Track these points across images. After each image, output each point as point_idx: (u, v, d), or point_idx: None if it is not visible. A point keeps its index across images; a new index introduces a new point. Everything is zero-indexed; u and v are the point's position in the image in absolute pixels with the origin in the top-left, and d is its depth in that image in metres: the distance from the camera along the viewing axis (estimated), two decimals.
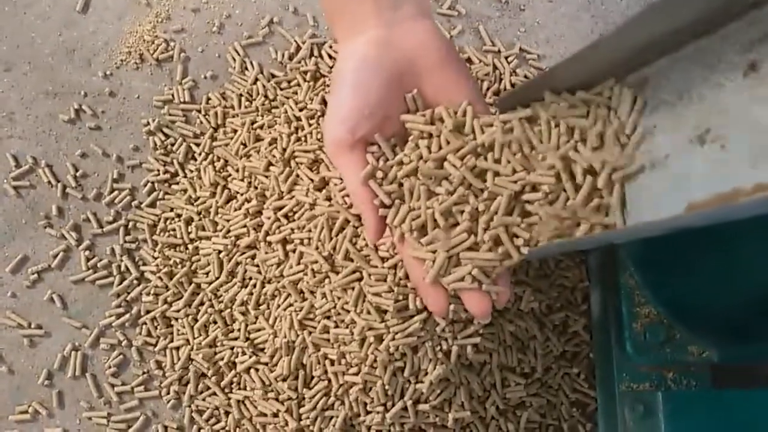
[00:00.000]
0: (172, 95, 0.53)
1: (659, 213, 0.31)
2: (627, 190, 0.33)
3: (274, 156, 0.48)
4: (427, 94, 0.36)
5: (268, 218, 0.47)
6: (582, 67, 0.34)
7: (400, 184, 0.36)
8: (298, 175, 0.48)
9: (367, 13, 0.35)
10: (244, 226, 0.48)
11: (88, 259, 0.50)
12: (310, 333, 0.45)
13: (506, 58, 0.56)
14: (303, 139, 0.49)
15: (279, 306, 0.46)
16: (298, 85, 0.53)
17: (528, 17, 0.57)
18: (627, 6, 0.58)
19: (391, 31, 0.35)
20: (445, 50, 0.36)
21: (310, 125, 0.49)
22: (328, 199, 0.45)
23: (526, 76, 0.56)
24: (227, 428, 0.48)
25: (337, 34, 0.37)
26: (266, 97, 0.52)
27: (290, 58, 0.54)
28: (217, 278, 0.48)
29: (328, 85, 0.52)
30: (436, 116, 0.36)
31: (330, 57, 0.54)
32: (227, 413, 0.48)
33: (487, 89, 0.55)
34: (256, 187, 0.48)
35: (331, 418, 0.45)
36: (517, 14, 0.57)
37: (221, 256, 0.48)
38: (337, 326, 0.44)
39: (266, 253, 0.47)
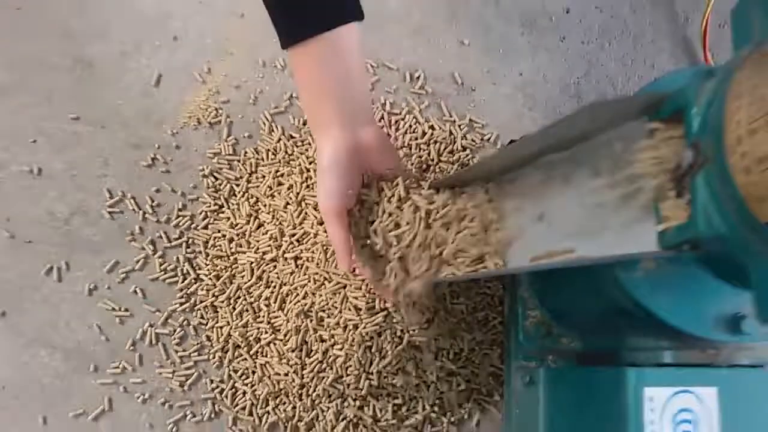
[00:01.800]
0: (220, 149, 0.76)
1: (520, 261, 0.53)
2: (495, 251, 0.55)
3: (290, 198, 0.71)
4: (375, 169, 0.57)
5: (285, 241, 0.69)
6: (478, 170, 0.56)
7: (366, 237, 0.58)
8: (306, 213, 0.70)
9: (334, 121, 0.53)
10: (269, 245, 0.70)
11: (160, 264, 0.73)
12: (311, 321, 0.67)
13: (459, 126, 0.77)
14: (311, 186, 0.71)
15: (291, 302, 0.68)
16: (309, 144, 0.75)
17: (477, 95, 0.79)
18: (551, 87, 0.79)
19: (354, 135, 0.55)
20: (386, 143, 0.57)
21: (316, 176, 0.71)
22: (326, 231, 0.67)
23: (473, 140, 0.77)
24: (253, 383, 0.70)
25: (312, 130, 0.56)
26: (286, 152, 0.74)
27: (304, 124, 0.76)
28: (249, 280, 0.70)
29: None
30: (379, 188, 0.58)
31: None
32: (253, 372, 0.70)
33: (444, 149, 0.76)
34: (277, 219, 0.71)
35: (323, 378, 0.68)
36: (469, 93, 0.79)
37: (252, 265, 0.70)
38: (328, 317, 0.66)
39: (283, 265, 0.69)
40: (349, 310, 0.64)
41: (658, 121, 0.42)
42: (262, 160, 0.74)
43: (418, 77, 0.78)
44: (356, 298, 0.64)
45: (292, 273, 0.68)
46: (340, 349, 0.66)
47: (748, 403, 0.47)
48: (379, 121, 0.75)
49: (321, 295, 0.66)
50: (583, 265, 0.49)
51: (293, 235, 0.69)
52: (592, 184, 0.47)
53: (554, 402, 0.61)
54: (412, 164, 0.72)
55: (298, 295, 0.67)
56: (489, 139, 0.77)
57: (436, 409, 0.68)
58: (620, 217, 0.45)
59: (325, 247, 0.67)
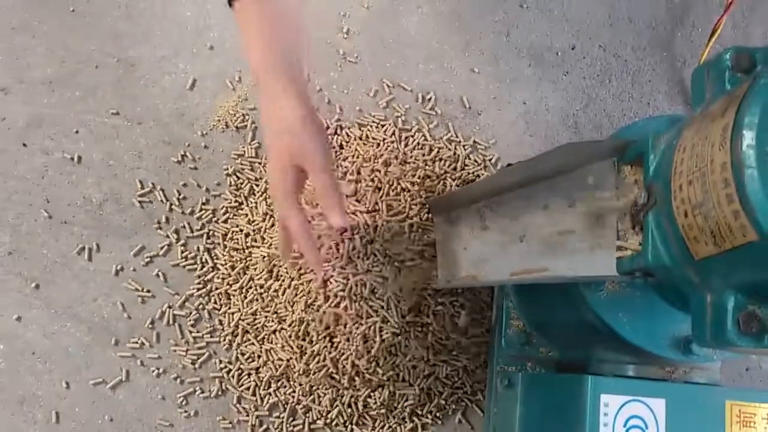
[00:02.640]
0: (244, 151, 0.83)
1: (501, 275, 0.59)
2: (485, 263, 0.62)
3: (303, 200, 0.78)
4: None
5: None
6: (469, 192, 0.63)
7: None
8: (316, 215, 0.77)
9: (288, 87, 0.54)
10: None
11: (182, 252, 0.80)
12: (312, 311, 0.74)
13: (464, 146, 0.84)
14: None
15: (296, 295, 0.76)
16: None
17: (482, 119, 0.86)
18: (551, 117, 0.86)
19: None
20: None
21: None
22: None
23: (475, 160, 0.84)
24: (258, 366, 0.77)
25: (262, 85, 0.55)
26: None
27: None
28: (261, 273, 0.78)
29: (346, 158, 0.81)
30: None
31: (347, 134, 0.83)
32: (259, 357, 0.77)
33: (448, 166, 0.83)
34: None
35: (322, 367, 0.75)
36: (475, 116, 0.86)
37: (265, 259, 0.78)
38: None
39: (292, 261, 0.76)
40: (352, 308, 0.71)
41: (625, 163, 0.49)
42: None
43: (430, 99, 0.85)
44: (356, 295, 0.71)
45: (300, 269, 0.75)
46: (339, 342, 0.73)
47: (694, 415, 0.54)
48: (391, 136, 0.82)
49: (325, 291, 0.73)
50: (556, 283, 0.56)
51: None
52: (566, 212, 0.54)
53: (529, 404, 0.68)
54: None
55: (303, 289, 0.74)
56: (491, 160, 0.84)
57: (422, 402, 0.75)
58: (587, 243, 0.51)
59: (334, 249, 0.74)
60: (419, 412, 0.76)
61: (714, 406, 0.53)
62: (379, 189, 0.77)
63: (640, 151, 0.46)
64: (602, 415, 0.52)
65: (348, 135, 0.82)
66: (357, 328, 0.71)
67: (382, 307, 0.71)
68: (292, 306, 0.75)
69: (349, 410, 0.75)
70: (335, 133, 0.83)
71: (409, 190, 0.76)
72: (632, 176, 0.48)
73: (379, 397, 0.74)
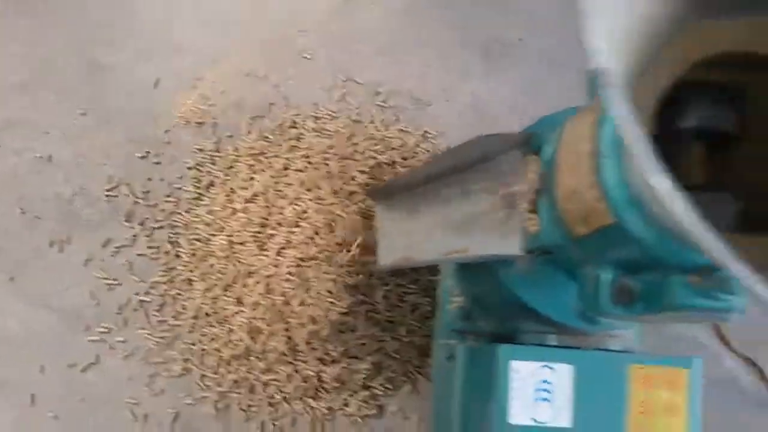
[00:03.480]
0: (204, 146, 0.88)
1: (434, 255, 0.65)
2: (418, 245, 0.67)
3: (260, 191, 0.83)
4: None
5: (252, 229, 0.82)
6: (405, 181, 0.68)
7: None
8: (273, 205, 0.82)
9: None
10: (239, 231, 0.82)
11: (147, 242, 0.86)
12: (270, 296, 0.80)
13: (414, 136, 0.89)
14: (279, 181, 0.83)
15: (254, 279, 0.81)
16: (280, 146, 0.87)
17: (432, 110, 0.91)
18: (499, 107, 0.91)
19: None
20: None
21: (286, 174, 0.84)
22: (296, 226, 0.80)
23: (426, 149, 0.89)
24: (219, 346, 0.83)
25: None
26: (261, 152, 0.87)
27: (279, 126, 0.89)
28: (221, 260, 0.83)
29: (306, 148, 0.86)
30: None
31: (304, 128, 0.88)
32: (220, 338, 0.83)
33: (399, 155, 0.88)
34: (247, 209, 0.83)
35: (278, 346, 0.80)
36: (425, 107, 0.91)
37: (224, 247, 0.83)
38: (283, 295, 0.79)
39: (250, 249, 0.81)
40: (304, 290, 0.77)
41: (529, 153, 0.54)
42: (240, 157, 0.86)
43: (381, 92, 0.90)
44: (308, 279, 0.77)
45: (256, 256, 0.80)
46: (292, 323, 0.78)
47: (599, 378, 0.59)
48: (344, 128, 0.87)
49: (280, 276, 0.79)
50: (478, 261, 0.61)
51: (259, 223, 0.81)
52: (483, 198, 0.59)
53: (466, 375, 0.73)
54: None
55: (260, 275, 0.80)
56: (441, 149, 0.89)
57: (373, 375, 0.81)
58: (501, 225, 0.57)
59: (287, 236, 0.79)
60: (371, 385, 0.81)
61: (618, 370, 0.59)
62: (332, 177, 0.82)
63: (539, 142, 0.51)
64: (512, 380, 0.58)
65: (304, 128, 0.87)
66: (306, 310, 0.76)
67: (329, 291, 0.76)
68: (250, 290, 0.80)
69: (305, 384, 0.81)
70: (292, 126, 0.88)
71: (357, 179, 0.81)
72: (534, 165, 0.53)
73: (333, 372, 0.80)
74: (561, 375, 0.58)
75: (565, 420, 0.59)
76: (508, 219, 0.55)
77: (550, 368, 0.58)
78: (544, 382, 0.58)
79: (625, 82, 0.24)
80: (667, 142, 0.47)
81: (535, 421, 0.59)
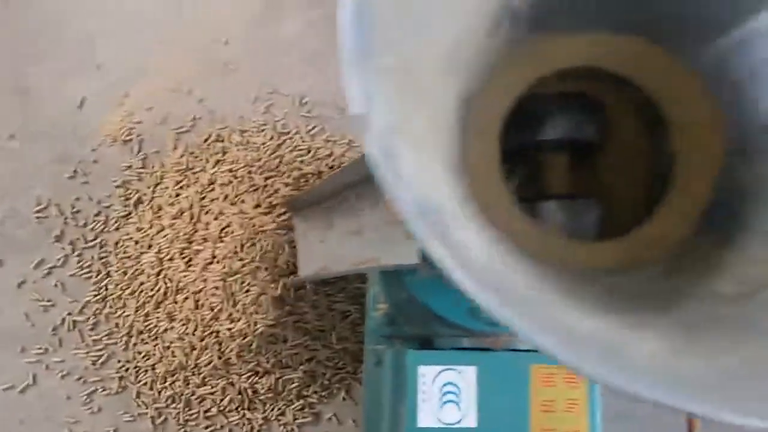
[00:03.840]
0: (131, 163, 0.89)
1: (346, 266, 0.66)
2: (333, 255, 0.68)
3: (186, 206, 0.84)
4: None
5: (180, 245, 0.82)
6: (313, 194, 0.69)
7: None
8: (199, 219, 0.83)
9: None
10: (167, 248, 0.83)
11: (78, 262, 0.86)
12: (200, 312, 0.81)
13: (339, 145, 0.90)
14: (206, 196, 0.84)
15: (183, 295, 0.82)
16: (207, 160, 0.88)
17: None
18: None
19: None
20: None
21: (211, 188, 0.85)
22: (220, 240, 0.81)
23: (351, 158, 0.90)
24: (153, 363, 0.84)
25: None
26: (187, 166, 0.87)
27: (205, 141, 0.89)
28: (150, 277, 0.84)
29: (232, 162, 0.87)
30: None
31: (229, 141, 0.89)
32: (154, 354, 0.84)
33: (325, 165, 0.89)
34: (174, 225, 0.84)
35: (211, 360, 0.81)
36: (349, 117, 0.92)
37: (153, 264, 0.84)
38: (212, 310, 0.80)
39: (178, 265, 0.82)
40: (231, 304, 0.78)
41: None
42: (166, 173, 0.87)
43: (306, 102, 0.90)
44: (233, 293, 0.78)
45: (184, 272, 0.81)
46: (223, 337, 0.79)
47: (502, 378, 0.61)
48: (270, 140, 0.88)
49: (207, 291, 0.80)
50: (388, 270, 0.62)
51: (186, 239, 0.82)
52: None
53: (392, 379, 0.74)
54: None
55: (189, 290, 0.81)
56: None
57: (307, 384, 0.82)
58: (402, 235, 0.58)
59: (212, 251, 0.80)
60: (305, 393, 0.83)
61: (520, 370, 0.60)
62: (256, 190, 0.83)
63: None
64: (420, 384, 0.59)
65: (230, 141, 0.88)
66: (234, 324, 0.77)
67: (255, 305, 0.77)
68: (180, 306, 0.81)
69: (240, 397, 0.82)
70: (217, 140, 0.88)
71: (282, 191, 0.82)
72: None
73: (266, 383, 0.81)
74: (466, 377, 0.60)
75: (471, 421, 0.61)
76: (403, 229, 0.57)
77: (456, 371, 0.60)
78: (451, 384, 0.60)
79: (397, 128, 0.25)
80: (534, 151, 0.48)
81: (443, 423, 0.60)
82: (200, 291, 0.80)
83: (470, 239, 0.27)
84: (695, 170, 0.40)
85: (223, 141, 0.88)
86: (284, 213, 0.80)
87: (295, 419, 0.82)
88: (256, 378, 0.81)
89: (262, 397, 0.82)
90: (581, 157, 0.48)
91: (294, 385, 0.81)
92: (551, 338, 0.22)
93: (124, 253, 0.84)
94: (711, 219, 0.39)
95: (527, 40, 0.40)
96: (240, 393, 0.82)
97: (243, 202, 0.81)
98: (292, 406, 0.82)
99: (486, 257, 0.26)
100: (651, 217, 0.41)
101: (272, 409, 0.82)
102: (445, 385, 0.60)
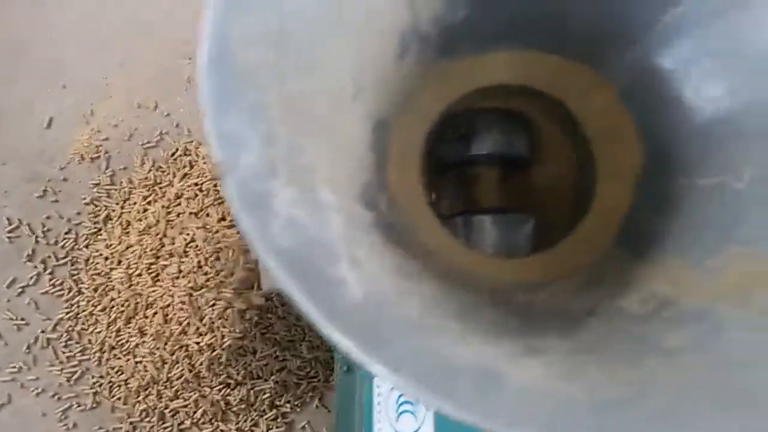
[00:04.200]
0: (99, 180, 0.89)
1: None
2: None
3: (154, 221, 0.84)
4: None
5: (148, 260, 0.83)
6: None
7: None
8: (166, 234, 0.84)
9: None
10: (136, 263, 0.84)
11: (50, 280, 0.87)
12: (170, 325, 0.81)
13: None
14: (172, 211, 0.85)
15: (152, 312, 0.83)
16: (174, 174, 0.88)
17: None
18: None
19: None
20: None
21: (178, 202, 0.85)
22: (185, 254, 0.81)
23: None
24: (127, 377, 0.84)
25: None
26: (155, 182, 0.88)
27: (172, 155, 0.90)
28: (121, 293, 0.84)
29: (198, 176, 0.87)
30: None
31: (196, 154, 0.90)
32: (126, 369, 0.85)
33: None
34: (142, 240, 0.85)
35: (182, 374, 0.82)
36: None
37: (123, 280, 0.84)
38: (179, 324, 0.80)
39: (146, 280, 0.83)
40: (198, 319, 0.78)
41: None
42: (134, 189, 0.87)
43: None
44: (200, 307, 0.78)
45: (152, 287, 0.82)
46: (192, 351, 0.80)
47: None
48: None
49: (175, 306, 0.80)
50: None
51: (153, 254, 0.82)
52: None
53: (361, 388, 0.75)
54: None
55: (157, 305, 0.81)
56: None
57: (279, 394, 0.83)
58: None
59: (178, 266, 0.81)
60: (278, 403, 0.83)
61: None
62: (221, 203, 0.83)
63: None
64: (376, 395, 0.60)
65: (196, 155, 0.89)
66: (202, 338, 0.78)
67: (222, 318, 0.78)
68: (150, 320, 0.82)
69: (213, 409, 0.82)
70: (184, 153, 0.89)
71: None
72: None
73: (238, 394, 0.82)
74: None
75: (428, 429, 0.61)
76: None
77: None
78: (402, 396, 0.60)
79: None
80: (468, 166, 0.49)
81: None
82: (168, 306, 0.81)
83: (355, 273, 0.27)
84: (614, 182, 0.40)
85: (189, 154, 0.88)
86: None
87: (268, 429, 0.83)
88: (228, 390, 0.81)
89: (234, 409, 0.82)
90: (513, 172, 0.48)
91: (266, 396, 0.82)
92: (410, 378, 0.23)
93: (95, 269, 0.85)
94: (629, 231, 0.39)
95: (442, 61, 0.40)
96: (213, 405, 0.82)
97: (208, 215, 0.82)
98: (266, 416, 0.83)
99: (363, 294, 0.26)
100: (574, 230, 0.41)
101: (245, 420, 0.83)
102: (401, 395, 0.60)
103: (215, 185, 0.84)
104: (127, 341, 0.83)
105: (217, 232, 0.80)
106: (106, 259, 0.85)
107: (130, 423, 0.83)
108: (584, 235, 0.39)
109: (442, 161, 0.48)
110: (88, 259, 0.86)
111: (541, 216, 0.46)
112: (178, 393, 0.82)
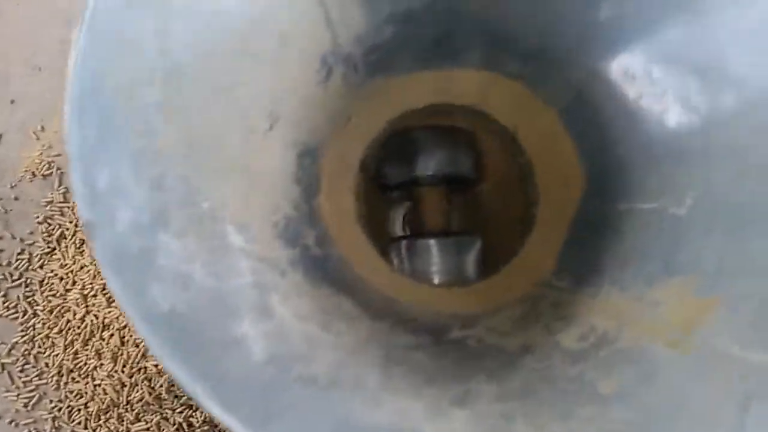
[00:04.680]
0: (52, 198, 0.86)
1: None
2: None
3: None
4: None
5: (102, 280, 0.80)
6: None
7: None
8: None
9: None
10: (90, 283, 0.81)
11: (3, 302, 0.84)
12: (126, 347, 0.79)
13: None
14: None
15: (109, 334, 0.80)
16: None
17: None
18: None
19: None
20: None
21: None
22: None
23: None
24: (86, 401, 0.82)
25: None
26: None
27: None
28: (76, 314, 0.82)
29: None
30: None
31: None
32: (86, 393, 0.82)
33: None
34: (94, 261, 0.82)
35: (143, 396, 0.79)
36: None
37: (78, 301, 0.82)
38: (137, 346, 0.78)
39: (101, 301, 0.81)
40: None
41: None
42: None
43: None
44: None
45: (107, 308, 0.79)
46: (152, 373, 0.78)
47: None
48: None
49: (131, 327, 0.78)
50: None
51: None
52: None
53: None
54: None
55: (114, 327, 0.79)
56: None
57: None
58: None
59: None
60: None
61: None
62: None
63: None
64: None
65: None
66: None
67: None
68: (107, 342, 0.79)
69: (175, 429, 0.80)
70: None
71: None
72: None
73: (201, 416, 0.79)
74: None
75: None
76: None
77: None
78: None
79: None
80: (414, 187, 0.47)
81: None
82: (124, 327, 0.78)
83: (261, 328, 0.25)
84: (555, 205, 0.38)
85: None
86: None
87: None
88: (191, 411, 0.79)
89: (198, 430, 0.80)
90: (460, 192, 0.46)
91: None
92: None
93: (50, 290, 0.82)
94: (570, 259, 0.37)
95: (374, 81, 0.38)
96: (176, 427, 0.80)
97: None
98: None
99: (266, 354, 0.24)
100: (515, 257, 0.39)
101: None
102: None
103: None
104: (85, 363, 0.81)
105: None
106: (61, 279, 0.82)
107: None
108: (524, 262, 0.37)
109: (386, 183, 0.46)
110: (42, 280, 0.83)
111: (489, 238, 0.44)
112: (140, 416, 0.80)
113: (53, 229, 0.85)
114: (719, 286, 0.28)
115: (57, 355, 0.82)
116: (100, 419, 0.81)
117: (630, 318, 0.31)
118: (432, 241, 0.45)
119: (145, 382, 0.78)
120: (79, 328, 0.81)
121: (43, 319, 0.83)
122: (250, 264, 0.28)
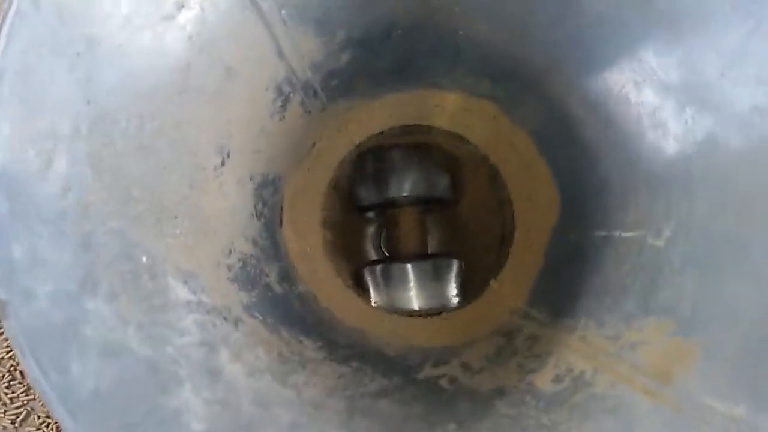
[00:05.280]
0: None
1: None
2: None
3: None
4: None
5: None
6: None
7: None
8: None
9: None
10: None
11: None
12: None
13: None
14: None
15: None
16: None
17: None
18: None
19: None
20: None
21: None
22: None
23: None
24: None
25: None
26: None
27: None
28: None
29: None
30: None
31: None
32: None
33: None
34: None
35: None
36: None
37: None
38: None
39: None
40: None
41: None
42: None
43: None
44: None
45: None
46: None
47: None
48: None
49: None
50: None
51: None
52: None
53: None
54: None
55: None
56: None
57: None
58: None
59: None
60: None
61: None
62: None
63: None
64: None
65: None
66: None
67: None
68: None
69: None
70: None
71: None
72: None
73: None
74: None
75: None
76: None
77: None
78: None
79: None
80: (390, 209, 0.45)
81: None
82: None
83: (203, 395, 0.23)
84: (530, 229, 0.36)
85: None
86: None
87: None
88: None
89: None
90: (436, 212, 0.44)
91: None
92: None
93: None
94: (545, 289, 0.35)
95: (337, 105, 0.36)
96: None
97: None
98: None
99: (205, 424, 0.22)
100: (493, 279, 0.37)
101: None
102: None
103: None
104: None
105: None
106: None
107: None
108: (499, 291, 0.35)
109: (360, 204, 0.44)
110: None
111: (467, 259, 0.42)
112: None
113: None
114: (695, 330, 0.27)
115: None
116: None
117: (607, 359, 0.30)
118: (409, 265, 0.43)
119: None
120: None
121: None
122: (196, 318, 0.26)
